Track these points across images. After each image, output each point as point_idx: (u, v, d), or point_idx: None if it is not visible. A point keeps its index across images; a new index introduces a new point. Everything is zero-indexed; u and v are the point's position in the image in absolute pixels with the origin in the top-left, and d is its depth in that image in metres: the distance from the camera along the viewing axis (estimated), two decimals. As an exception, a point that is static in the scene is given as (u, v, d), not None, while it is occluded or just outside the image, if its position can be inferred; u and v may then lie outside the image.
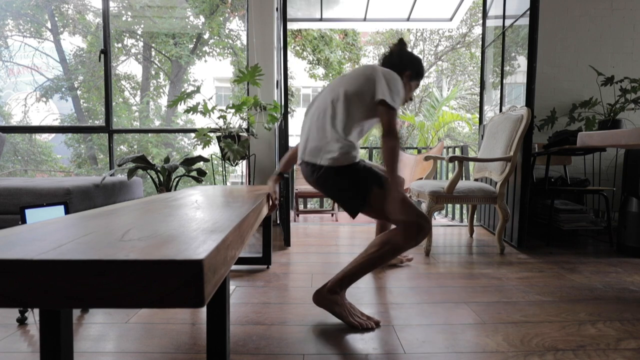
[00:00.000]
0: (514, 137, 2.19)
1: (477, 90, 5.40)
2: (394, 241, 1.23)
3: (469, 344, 1.10)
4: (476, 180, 2.66)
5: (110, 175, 2.56)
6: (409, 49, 1.57)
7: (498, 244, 2.18)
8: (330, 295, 1.25)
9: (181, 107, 2.62)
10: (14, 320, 1.23)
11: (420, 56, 11.75)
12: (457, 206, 4.08)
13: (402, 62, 1.46)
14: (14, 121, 9.32)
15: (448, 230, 2.98)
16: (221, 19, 8.93)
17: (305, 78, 9.58)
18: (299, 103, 13.77)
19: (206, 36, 9.24)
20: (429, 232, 1.24)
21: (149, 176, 2.57)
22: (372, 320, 1.23)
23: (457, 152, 4.41)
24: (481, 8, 3.13)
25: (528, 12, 2.23)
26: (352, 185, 1.25)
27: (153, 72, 9.74)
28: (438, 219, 4.20)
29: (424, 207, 2.17)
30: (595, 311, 1.34)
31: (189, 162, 2.59)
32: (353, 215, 1.29)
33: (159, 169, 2.49)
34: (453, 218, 3.89)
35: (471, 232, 2.67)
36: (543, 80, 2.92)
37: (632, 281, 1.69)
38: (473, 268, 1.89)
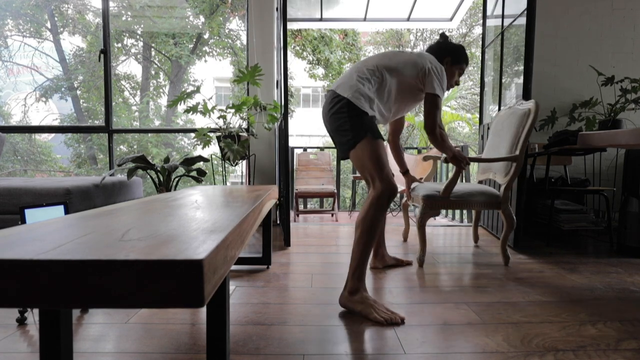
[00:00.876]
0: (520, 134, 1.96)
1: (477, 90, 5.40)
2: (369, 212, 1.35)
3: (469, 344, 1.10)
4: (480, 182, 2.42)
5: (110, 175, 2.56)
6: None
7: (502, 255, 1.95)
8: (352, 296, 1.33)
9: (181, 107, 2.62)
10: (13, 320, 1.23)
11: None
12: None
13: (442, 49, 1.67)
14: (14, 121, 9.32)
15: (448, 230, 2.98)
16: (221, 19, 8.93)
17: (305, 78, 9.58)
18: (298, 103, 13.75)
19: (206, 36, 9.24)
20: (394, 190, 1.37)
21: (148, 176, 2.57)
22: (398, 316, 1.26)
23: (457, 152, 4.40)
24: (481, 8, 3.13)
25: (525, 12, 2.23)
26: (353, 126, 1.38)
27: (153, 72, 9.74)
28: (438, 219, 4.20)
29: (416, 211, 1.97)
30: (596, 311, 1.34)
31: (188, 162, 2.59)
32: (342, 155, 1.46)
33: (158, 169, 2.49)
34: (453, 218, 3.89)
35: (476, 238, 2.42)
36: (543, 80, 2.92)
37: (633, 281, 1.69)
38: (473, 268, 1.88)
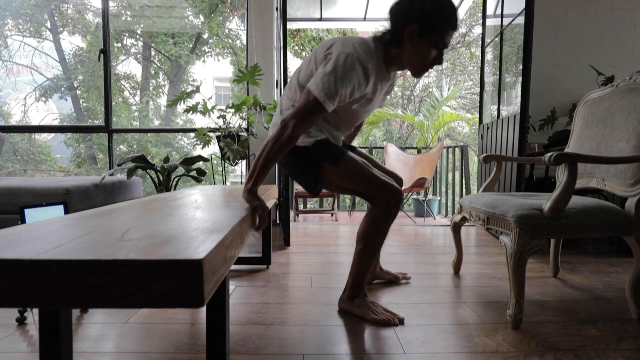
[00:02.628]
0: None
1: (477, 90, 5.40)
2: (373, 227, 1.23)
3: (469, 344, 1.10)
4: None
5: (110, 175, 2.56)
6: None
7: (634, 306, 1.27)
8: (351, 301, 1.30)
9: (181, 107, 2.62)
10: (13, 320, 1.23)
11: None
12: (452, 201, 3.69)
13: (406, 14, 1.06)
14: (14, 121, 9.31)
15: (448, 230, 2.98)
16: (221, 19, 8.93)
17: (305, 78, 9.55)
18: (298, 103, 13.71)
19: (206, 36, 9.24)
20: (398, 193, 1.19)
21: (148, 176, 2.57)
22: (397, 317, 1.23)
23: (457, 153, 4.40)
24: (481, 8, 3.13)
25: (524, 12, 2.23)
26: (305, 166, 1.23)
27: (153, 72, 9.74)
28: (438, 219, 4.19)
29: (506, 243, 1.23)
30: (596, 311, 1.34)
31: (188, 162, 2.58)
32: (313, 193, 1.27)
33: (158, 169, 2.49)
34: (446, 215, 3.89)
35: (556, 271, 1.76)
36: (543, 80, 2.92)
37: (632, 281, 1.68)
38: (473, 268, 1.88)
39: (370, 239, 1.25)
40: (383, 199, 1.20)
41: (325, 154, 1.21)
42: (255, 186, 1.03)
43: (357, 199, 4.59)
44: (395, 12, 1.09)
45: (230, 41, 9.27)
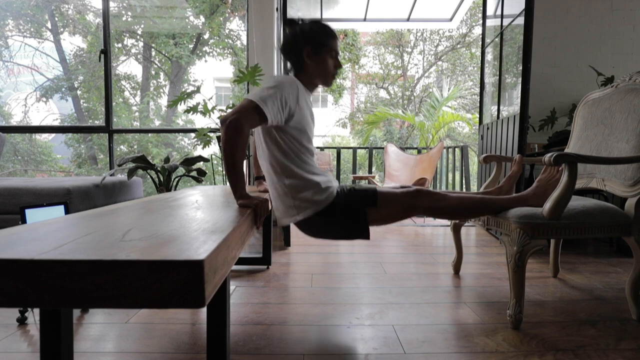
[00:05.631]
0: None
1: (477, 90, 5.40)
2: (450, 206, 1.28)
3: (469, 343, 1.10)
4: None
5: (110, 175, 2.56)
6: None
7: (634, 306, 1.28)
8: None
9: (181, 107, 2.62)
10: (14, 320, 1.23)
11: (420, 56, 11.73)
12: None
13: (297, 42, 1.25)
14: (14, 121, 9.32)
15: (448, 230, 2.98)
16: (221, 19, 8.93)
17: (305, 78, 9.55)
18: (299, 103, 13.71)
19: (206, 36, 9.24)
20: (425, 193, 1.25)
21: (149, 176, 2.57)
22: None
23: (457, 153, 4.40)
24: (481, 8, 3.13)
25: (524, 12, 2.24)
26: (346, 221, 1.21)
27: (153, 72, 9.75)
28: (438, 219, 4.19)
29: (506, 243, 1.26)
30: (595, 311, 1.34)
31: (189, 162, 2.59)
32: (368, 238, 1.25)
33: (159, 169, 2.49)
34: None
35: (555, 271, 1.76)
36: (543, 80, 2.92)
37: (632, 281, 1.69)
38: (473, 268, 1.89)
39: (469, 212, 1.32)
40: (415, 203, 1.24)
41: (361, 200, 1.22)
42: (243, 190, 1.05)
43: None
44: (288, 47, 1.28)
45: (230, 41, 9.28)
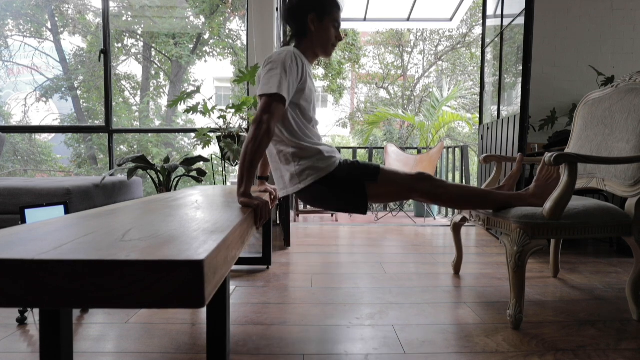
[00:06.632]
0: None
1: (477, 90, 5.40)
2: (455, 193, 1.31)
3: (469, 344, 1.10)
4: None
5: (110, 175, 2.56)
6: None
7: (634, 306, 1.28)
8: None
9: (181, 107, 2.62)
10: (14, 320, 1.23)
11: (420, 56, 11.73)
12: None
13: (302, 7, 1.26)
14: (14, 121, 9.32)
15: (448, 230, 2.98)
16: (221, 19, 8.93)
17: (305, 78, 9.54)
18: (298, 103, 13.70)
19: (206, 36, 9.24)
20: (427, 178, 1.26)
21: (149, 176, 2.57)
22: None
23: (457, 153, 4.41)
24: (481, 8, 3.13)
25: (524, 12, 2.24)
26: (344, 191, 1.24)
27: (153, 72, 9.75)
28: (438, 219, 4.20)
29: (506, 243, 1.25)
30: (596, 311, 1.34)
31: (189, 162, 2.59)
32: (364, 213, 1.28)
33: (159, 169, 2.49)
34: (445, 216, 3.89)
35: (556, 271, 1.76)
36: (543, 80, 2.92)
37: (632, 281, 1.68)
38: (473, 268, 1.88)
39: (467, 203, 1.33)
40: (422, 181, 1.26)
41: (362, 174, 1.24)
42: (248, 188, 1.04)
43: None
44: (291, 12, 1.28)
45: (230, 41, 9.28)
